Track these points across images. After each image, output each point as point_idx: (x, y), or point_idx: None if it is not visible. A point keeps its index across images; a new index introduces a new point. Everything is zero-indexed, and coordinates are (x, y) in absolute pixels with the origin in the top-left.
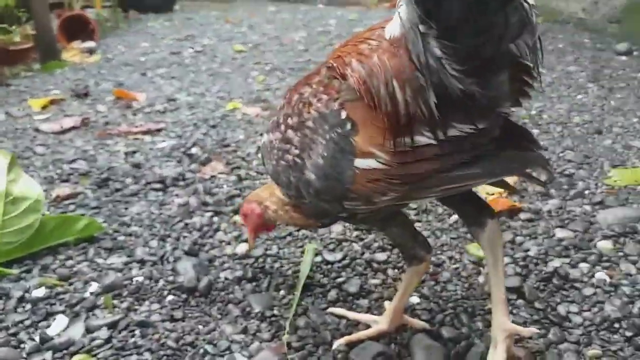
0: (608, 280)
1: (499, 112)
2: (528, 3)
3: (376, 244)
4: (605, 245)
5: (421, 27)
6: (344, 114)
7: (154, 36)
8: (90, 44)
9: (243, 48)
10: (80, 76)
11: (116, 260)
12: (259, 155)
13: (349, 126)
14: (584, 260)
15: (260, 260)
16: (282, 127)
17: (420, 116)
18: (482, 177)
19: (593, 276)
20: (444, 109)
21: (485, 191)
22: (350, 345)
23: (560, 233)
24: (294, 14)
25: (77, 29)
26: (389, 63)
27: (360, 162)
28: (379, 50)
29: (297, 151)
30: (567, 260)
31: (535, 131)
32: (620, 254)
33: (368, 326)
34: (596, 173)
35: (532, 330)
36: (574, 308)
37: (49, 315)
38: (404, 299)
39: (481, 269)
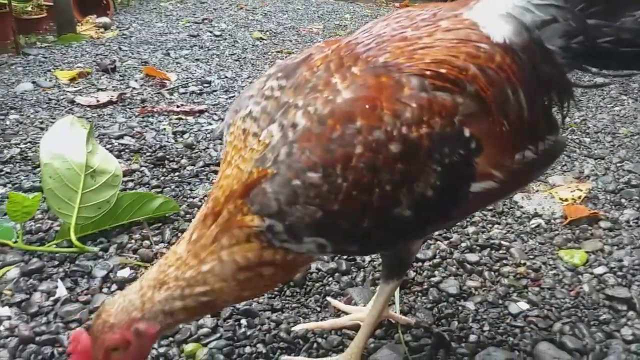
0: None
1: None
2: None
3: (464, 244)
4: None
5: (559, 55)
6: (467, 132)
7: (168, 17)
8: (104, 19)
9: (262, 36)
10: (101, 51)
11: None
12: None
13: (473, 145)
14: None
15: None
16: (358, 160)
17: (534, 128)
18: None
19: None
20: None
21: (559, 196)
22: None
23: None
24: (307, 5)
25: (90, 3)
26: (512, 70)
27: (476, 186)
28: (497, 56)
29: (389, 187)
30: None
31: (585, 139)
32: None
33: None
34: None
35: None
36: None
37: None
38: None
39: (580, 277)
